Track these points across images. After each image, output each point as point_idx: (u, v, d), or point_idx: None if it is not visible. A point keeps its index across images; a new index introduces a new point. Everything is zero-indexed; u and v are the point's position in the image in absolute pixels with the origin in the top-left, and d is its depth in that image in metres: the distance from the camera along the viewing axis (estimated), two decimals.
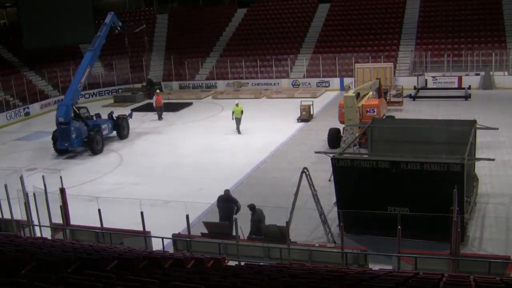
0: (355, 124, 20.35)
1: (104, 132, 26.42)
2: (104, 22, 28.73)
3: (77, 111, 25.49)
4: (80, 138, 24.84)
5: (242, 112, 26.86)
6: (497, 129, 18.10)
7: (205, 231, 13.97)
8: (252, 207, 13.84)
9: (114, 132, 27.57)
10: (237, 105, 27.03)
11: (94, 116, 26.94)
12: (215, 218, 14.95)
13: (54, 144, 25.06)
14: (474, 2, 40.83)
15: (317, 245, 13.12)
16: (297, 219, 14.09)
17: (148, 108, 34.18)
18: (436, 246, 13.57)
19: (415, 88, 34.41)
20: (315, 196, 14.05)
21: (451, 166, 12.85)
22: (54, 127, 24.95)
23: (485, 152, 21.00)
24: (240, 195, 18.39)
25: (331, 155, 14.82)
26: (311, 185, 14.03)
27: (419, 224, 12.88)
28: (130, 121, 28.45)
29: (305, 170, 13.94)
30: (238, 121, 26.86)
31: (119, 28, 30.54)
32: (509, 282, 8.27)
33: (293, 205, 13.84)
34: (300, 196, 14.02)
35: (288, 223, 12.99)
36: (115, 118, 27.65)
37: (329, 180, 18.59)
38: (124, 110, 30.91)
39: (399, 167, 13.41)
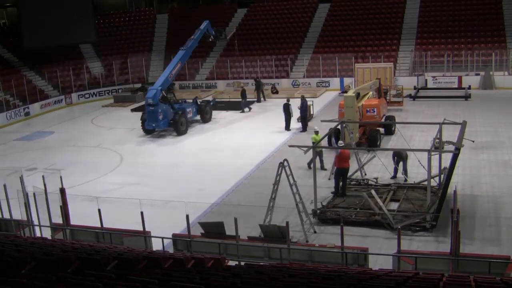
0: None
1: (189, 116, 28.62)
2: (199, 28, 31.06)
3: (165, 95, 27.67)
4: (167, 120, 27.14)
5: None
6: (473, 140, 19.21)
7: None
8: None
9: (198, 116, 29.79)
10: (316, 133, 20.64)
11: (183, 101, 30.07)
12: (215, 218, 14.93)
13: (143, 124, 27.37)
14: (474, 2, 40.83)
15: (317, 245, 13.12)
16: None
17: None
18: (436, 246, 13.59)
19: (415, 88, 34.39)
20: (292, 186, 14.65)
21: None
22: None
23: (485, 152, 21.01)
24: (240, 195, 18.43)
25: (305, 149, 16.08)
26: (289, 175, 14.69)
27: None
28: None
29: (284, 162, 14.72)
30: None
31: (212, 38, 32.97)
32: (509, 282, 8.26)
33: (271, 197, 14.72)
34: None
35: (287, 224, 12.98)
36: (199, 103, 30.16)
37: (329, 179, 18.64)
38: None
39: None
